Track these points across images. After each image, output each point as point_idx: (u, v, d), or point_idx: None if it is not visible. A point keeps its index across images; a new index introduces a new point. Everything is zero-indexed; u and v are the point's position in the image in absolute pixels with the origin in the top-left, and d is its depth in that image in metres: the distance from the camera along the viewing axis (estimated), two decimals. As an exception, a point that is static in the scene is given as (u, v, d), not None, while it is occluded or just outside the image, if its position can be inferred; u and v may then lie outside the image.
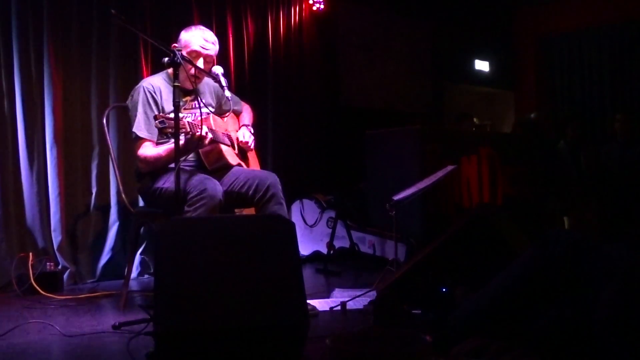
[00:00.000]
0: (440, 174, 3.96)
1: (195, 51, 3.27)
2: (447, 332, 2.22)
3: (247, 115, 3.74)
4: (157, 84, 3.28)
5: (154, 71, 4.27)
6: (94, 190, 4.36)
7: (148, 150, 3.20)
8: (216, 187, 3.04)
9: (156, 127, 2.80)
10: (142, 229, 4.15)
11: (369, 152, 5.37)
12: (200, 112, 3.10)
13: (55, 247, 4.12)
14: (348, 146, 6.00)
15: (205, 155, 3.26)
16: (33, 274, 3.75)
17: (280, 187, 3.27)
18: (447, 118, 7.69)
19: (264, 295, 2.15)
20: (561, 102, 8.41)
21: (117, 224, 4.41)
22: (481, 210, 3.44)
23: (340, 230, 4.87)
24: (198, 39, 3.28)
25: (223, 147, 3.33)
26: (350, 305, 3.23)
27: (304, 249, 5.17)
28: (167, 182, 3.15)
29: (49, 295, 3.67)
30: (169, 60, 2.84)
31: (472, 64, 8.35)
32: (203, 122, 3.01)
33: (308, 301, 2.61)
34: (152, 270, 4.41)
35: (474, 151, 5.31)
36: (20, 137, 4.04)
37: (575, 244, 1.98)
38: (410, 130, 5.10)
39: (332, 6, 6.26)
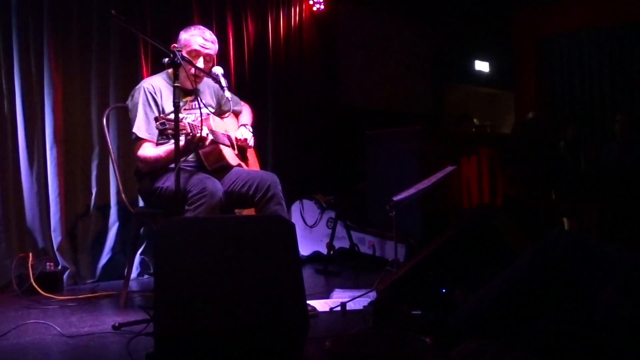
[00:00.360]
0: (440, 174, 3.96)
1: (195, 50, 3.27)
2: (447, 333, 2.22)
3: (246, 115, 3.75)
4: (157, 84, 3.28)
5: (154, 71, 4.27)
6: (94, 191, 4.36)
7: (148, 150, 3.20)
8: (216, 186, 3.04)
9: (157, 128, 2.80)
10: (142, 229, 4.15)
11: (369, 153, 5.37)
12: (200, 113, 3.10)
13: (55, 247, 4.12)
14: (348, 147, 6.00)
15: (205, 156, 3.27)
16: (33, 274, 3.75)
17: (280, 187, 3.27)
18: (447, 119, 7.69)
19: (264, 296, 2.15)
20: (561, 103, 8.41)
21: (117, 224, 4.41)
22: (481, 211, 3.44)
23: (340, 230, 4.87)
24: (197, 38, 3.29)
25: (223, 147, 3.33)
26: (350, 306, 3.23)
27: (304, 250, 5.17)
28: (167, 182, 3.15)
29: (48, 295, 3.67)
30: (169, 60, 2.84)
31: (472, 65, 8.35)
32: (203, 123, 3.01)
33: (308, 302, 2.61)
34: (152, 271, 4.41)
35: (473, 152, 5.31)
36: (20, 137, 4.04)
37: (575, 245, 1.98)
38: (410, 131, 5.10)
39: (332, 7, 6.26)
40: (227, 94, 3.25)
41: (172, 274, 2.14)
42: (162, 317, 2.07)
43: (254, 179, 3.25)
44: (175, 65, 2.82)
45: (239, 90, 4.96)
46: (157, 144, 3.23)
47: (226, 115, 3.64)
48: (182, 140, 2.87)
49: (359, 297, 3.36)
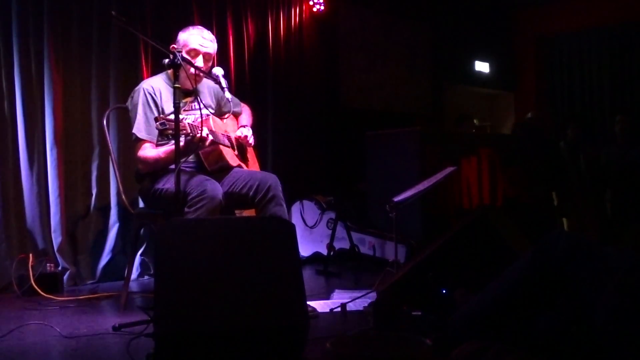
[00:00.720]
0: (440, 175, 3.96)
1: (194, 49, 3.27)
2: (447, 334, 2.22)
3: (246, 116, 3.74)
4: (157, 85, 3.28)
5: (154, 72, 4.27)
6: (94, 192, 4.36)
7: (148, 151, 3.20)
8: (216, 188, 3.04)
9: (157, 128, 2.80)
10: (142, 230, 4.15)
11: (369, 154, 5.37)
12: (201, 114, 3.10)
13: (55, 248, 4.12)
14: (348, 147, 6.00)
15: (205, 157, 3.26)
16: (33, 275, 3.75)
17: (280, 188, 3.27)
18: (447, 119, 7.70)
19: (264, 297, 2.15)
20: (561, 103, 8.41)
21: (117, 225, 4.41)
22: (481, 212, 3.44)
23: (340, 231, 4.87)
24: (196, 38, 3.29)
25: (223, 148, 3.33)
26: (350, 307, 3.23)
27: (304, 250, 5.17)
28: (167, 183, 3.15)
29: (49, 296, 3.67)
30: (169, 61, 2.84)
31: (472, 65, 8.35)
32: (203, 123, 3.01)
33: (308, 302, 2.61)
34: (152, 272, 4.41)
35: (474, 152, 5.32)
36: (20, 138, 4.04)
37: (574, 246, 1.98)
38: (410, 132, 5.10)
39: (332, 7, 6.26)
40: (227, 94, 3.25)
41: (173, 275, 2.14)
42: (163, 318, 2.07)
43: (254, 180, 3.24)
44: (175, 66, 2.82)
45: (239, 90, 4.97)
46: (157, 145, 3.23)
47: (226, 116, 3.64)
48: (182, 140, 2.87)
49: (359, 298, 3.36)
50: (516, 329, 2.07)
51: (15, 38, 4.03)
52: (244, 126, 3.61)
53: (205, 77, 3.31)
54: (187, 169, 3.20)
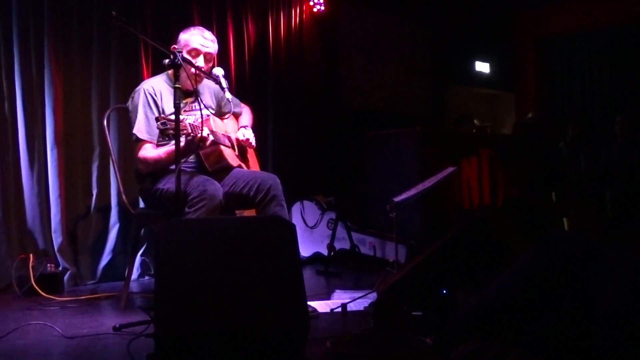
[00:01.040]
0: (440, 175, 3.96)
1: (195, 49, 3.28)
2: (447, 334, 2.22)
3: (246, 116, 3.74)
4: (157, 85, 3.29)
5: (155, 72, 4.27)
6: (94, 192, 4.36)
7: (148, 152, 3.20)
8: (216, 188, 3.04)
9: (158, 128, 2.80)
10: (142, 231, 4.15)
11: (369, 154, 5.37)
12: (201, 114, 3.10)
13: (55, 248, 4.12)
14: (348, 148, 6.00)
15: (205, 157, 3.27)
16: (34, 276, 3.75)
17: (281, 188, 3.27)
18: (447, 119, 7.70)
19: (265, 297, 2.15)
20: (561, 104, 8.42)
21: (117, 225, 4.42)
22: (481, 212, 3.44)
23: (341, 231, 4.87)
24: (197, 37, 3.30)
25: (223, 148, 3.33)
26: (351, 307, 3.23)
27: (305, 251, 5.17)
28: (167, 184, 3.15)
29: (49, 296, 3.67)
30: (169, 61, 2.83)
31: (473, 66, 8.36)
32: (204, 124, 3.01)
33: (308, 303, 2.61)
34: (152, 272, 4.41)
35: (474, 153, 5.32)
36: (20, 138, 4.05)
37: (574, 246, 1.98)
38: (411, 132, 5.10)
39: (332, 8, 6.27)
40: (228, 95, 3.25)
41: (173, 275, 2.14)
42: (163, 318, 2.07)
43: (254, 180, 3.24)
44: (175, 66, 2.82)
45: (239, 91, 4.97)
46: (158, 145, 3.23)
47: (226, 116, 3.64)
48: (182, 140, 2.87)
49: (359, 298, 3.36)
50: (516, 329, 2.07)
51: (15, 38, 4.03)
52: (244, 127, 3.61)
53: (206, 78, 3.31)
54: (188, 169, 3.20)
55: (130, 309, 3.36)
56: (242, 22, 5.44)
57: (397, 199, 3.76)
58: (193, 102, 3.33)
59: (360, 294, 3.44)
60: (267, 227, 2.37)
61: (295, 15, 5.96)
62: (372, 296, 3.37)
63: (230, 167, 3.37)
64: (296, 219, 5.27)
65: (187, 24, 3.58)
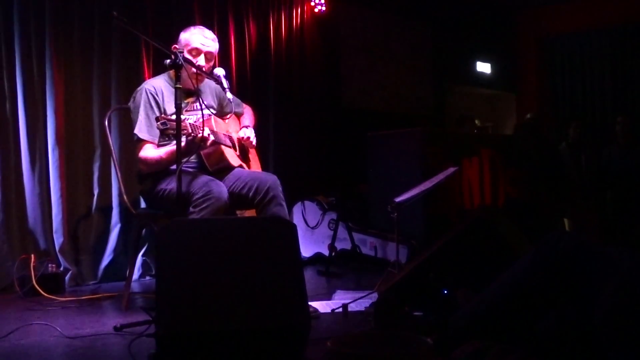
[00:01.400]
0: (441, 176, 3.96)
1: (196, 49, 3.28)
2: (448, 335, 2.22)
3: (248, 116, 3.74)
4: (159, 85, 3.29)
5: (156, 72, 4.27)
6: (95, 192, 4.36)
7: (149, 152, 3.20)
8: (221, 189, 3.05)
9: (158, 128, 2.81)
10: (143, 231, 4.14)
11: (370, 154, 5.37)
12: (202, 114, 3.10)
13: (57, 248, 4.12)
14: (349, 148, 6.01)
15: (206, 157, 3.27)
16: (35, 276, 3.75)
17: (280, 188, 3.27)
18: (448, 120, 7.70)
19: (266, 297, 2.15)
20: (562, 104, 8.41)
21: (118, 225, 4.42)
22: (482, 212, 3.44)
23: (342, 232, 4.87)
24: (198, 37, 3.30)
25: (224, 148, 3.34)
26: (352, 307, 3.23)
27: (306, 251, 5.17)
28: (170, 184, 3.15)
29: (50, 296, 3.67)
30: (170, 61, 2.83)
31: (474, 66, 8.36)
32: (205, 124, 3.01)
33: (309, 303, 2.61)
34: (153, 272, 4.41)
35: (475, 153, 5.32)
36: (22, 138, 4.05)
37: (575, 246, 1.98)
38: (412, 132, 5.10)
39: (333, 8, 6.27)
40: (229, 95, 3.26)
41: (174, 275, 2.14)
42: (164, 319, 2.07)
43: (253, 181, 3.24)
44: (176, 66, 2.82)
45: (240, 91, 4.97)
46: (159, 145, 3.24)
47: (228, 116, 3.64)
48: (183, 140, 2.87)
49: (360, 298, 3.36)
50: (517, 329, 2.07)
51: (17, 39, 4.04)
52: (246, 127, 3.62)
53: (207, 77, 3.31)
54: (189, 169, 3.20)
55: (131, 309, 3.36)
56: (243, 22, 5.44)
57: (398, 199, 3.76)
58: (194, 101, 3.33)
59: (361, 294, 3.44)
60: (268, 227, 2.37)
61: (297, 15, 5.96)
62: (373, 296, 3.37)
63: (231, 167, 3.37)
64: (297, 219, 5.27)
65: (188, 24, 3.57)
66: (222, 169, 3.34)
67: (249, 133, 3.54)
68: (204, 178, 3.09)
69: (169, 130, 2.78)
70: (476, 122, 7.20)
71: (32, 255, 3.86)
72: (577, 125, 6.41)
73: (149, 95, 3.23)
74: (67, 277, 4.08)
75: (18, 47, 4.04)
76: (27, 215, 4.08)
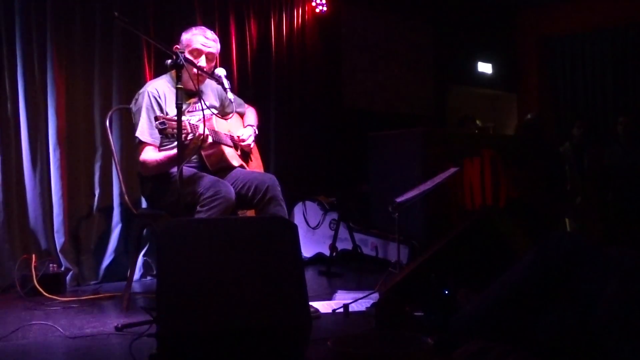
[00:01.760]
0: (442, 176, 3.96)
1: (197, 49, 3.28)
2: (449, 335, 2.22)
3: (252, 116, 3.74)
4: (161, 88, 3.27)
5: (157, 73, 4.27)
6: (96, 192, 4.37)
7: (150, 154, 3.19)
8: (229, 189, 3.06)
9: (156, 127, 2.81)
10: (145, 231, 4.15)
11: (371, 154, 5.37)
12: (203, 114, 3.09)
13: (58, 248, 4.13)
14: (351, 148, 6.00)
15: (207, 157, 3.27)
16: (36, 276, 3.75)
17: (279, 188, 3.27)
18: (449, 120, 7.69)
19: (266, 297, 2.15)
20: (564, 104, 8.41)
21: (120, 225, 4.42)
22: (484, 213, 3.44)
23: (343, 232, 4.87)
24: (199, 37, 3.30)
25: (225, 148, 3.34)
26: (353, 308, 3.23)
27: (307, 251, 5.17)
28: (175, 183, 3.14)
29: (51, 296, 3.67)
30: (171, 62, 2.83)
31: (475, 66, 8.35)
32: (205, 123, 3.01)
33: (310, 303, 2.61)
34: (154, 272, 4.41)
35: (476, 153, 5.31)
36: (23, 139, 4.05)
37: (576, 247, 1.98)
38: (413, 133, 5.10)
39: (335, 8, 6.27)
40: (230, 95, 3.26)
41: (175, 275, 2.14)
42: (165, 319, 2.07)
43: (252, 181, 3.24)
44: (177, 66, 2.82)
45: (241, 91, 4.97)
46: (160, 148, 3.23)
47: (229, 116, 3.64)
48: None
49: (361, 298, 3.36)
50: (518, 329, 2.07)
51: (18, 39, 4.04)
52: (250, 125, 3.62)
53: (208, 78, 3.31)
54: (190, 169, 3.20)
55: (132, 309, 3.37)
56: (244, 23, 5.44)
57: (399, 199, 3.75)
58: (196, 102, 3.32)
59: (362, 295, 3.44)
60: (269, 227, 2.37)
61: (298, 15, 5.96)
62: (374, 297, 3.37)
63: (231, 167, 3.37)
64: (298, 219, 5.27)
65: (189, 24, 3.58)
66: (222, 168, 3.34)
67: (247, 134, 3.54)
68: (211, 178, 3.10)
69: (168, 129, 2.78)
70: (477, 122, 7.18)
71: (33, 255, 3.86)
72: (581, 125, 6.41)
73: (152, 97, 3.22)
74: (68, 277, 4.08)
75: (19, 47, 4.04)
76: (28, 215, 4.08)
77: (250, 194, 3.22)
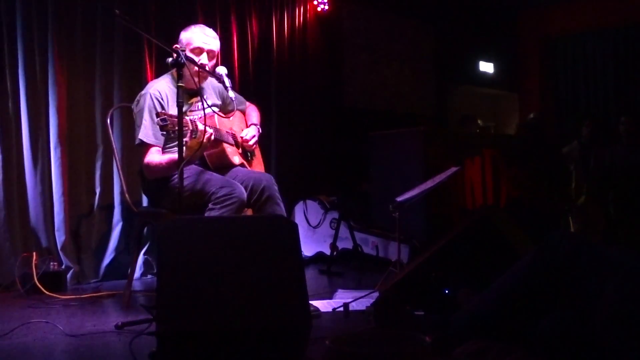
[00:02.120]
0: (443, 175, 3.96)
1: (198, 47, 3.27)
2: (449, 334, 2.22)
3: (254, 114, 3.74)
4: (163, 89, 3.26)
5: (158, 71, 4.28)
6: (97, 190, 4.37)
7: (154, 157, 3.18)
8: (241, 189, 3.09)
9: (157, 124, 2.80)
10: (145, 229, 4.16)
11: (372, 154, 5.37)
12: (204, 112, 3.09)
13: (58, 246, 4.13)
14: (351, 147, 6.00)
15: (208, 155, 3.27)
16: (37, 274, 3.76)
17: (276, 187, 3.27)
18: (450, 120, 7.69)
19: (267, 296, 2.15)
20: (565, 104, 8.40)
21: (120, 224, 4.42)
22: (484, 212, 3.44)
23: (344, 231, 4.87)
24: (199, 35, 3.29)
25: (226, 146, 3.33)
26: (353, 307, 3.23)
27: (307, 250, 5.17)
28: (185, 180, 3.12)
29: (52, 294, 3.67)
30: (172, 60, 2.82)
31: (476, 66, 8.35)
32: (207, 122, 3.01)
33: (311, 302, 2.61)
34: (155, 271, 4.41)
35: (477, 153, 5.31)
36: (24, 137, 4.05)
37: (577, 247, 1.98)
38: (414, 132, 5.10)
39: (336, 7, 6.27)
40: (231, 93, 3.25)
41: (175, 273, 2.14)
42: (165, 317, 2.07)
43: (248, 181, 3.24)
44: (178, 64, 2.81)
45: (242, 90, 4.96)
46: (164, 150, 3.22)
47: (231, 115, 3.64)
48: (187, 136, 2.86)
49: (361, 297, 3.36)
50: (518, 329, 2.07)
51: (19, 38, 4.04)
52: (254, 124, 3.61)
53: (209, 75, 3.30)
54: (195, 167, 3.19)
55: (132, 308, 3.37)
56: (245, 22, 5.44)
57: (400, 198, 3.75)
58: (199, 101, 3.31)
59: (362, 294, 3.44)
60: (270, 226, 2.37)
61: (299, 14, 5.96)
62: (375, 296, 3.37)
63: (231, 165, 3.37)
64: (299, 218, 5.27)
65: (190, 23, 3.57)
66: (223, 166, 3.34)
67: (251, 134, 3.53)
68: (220, 176, 3.11)
69: (169, 126, 2.77)
70: (478, 121, 7.19)
71: (34, 253, 3.86)
72: (590, 124, 6.40)
73: (154, 99, 3.21)
74: (68, 275, 4.08)
75: (21, 45, 4.04)
76: (29, 213, 4.08)
77: (247, 193, 3.21)
